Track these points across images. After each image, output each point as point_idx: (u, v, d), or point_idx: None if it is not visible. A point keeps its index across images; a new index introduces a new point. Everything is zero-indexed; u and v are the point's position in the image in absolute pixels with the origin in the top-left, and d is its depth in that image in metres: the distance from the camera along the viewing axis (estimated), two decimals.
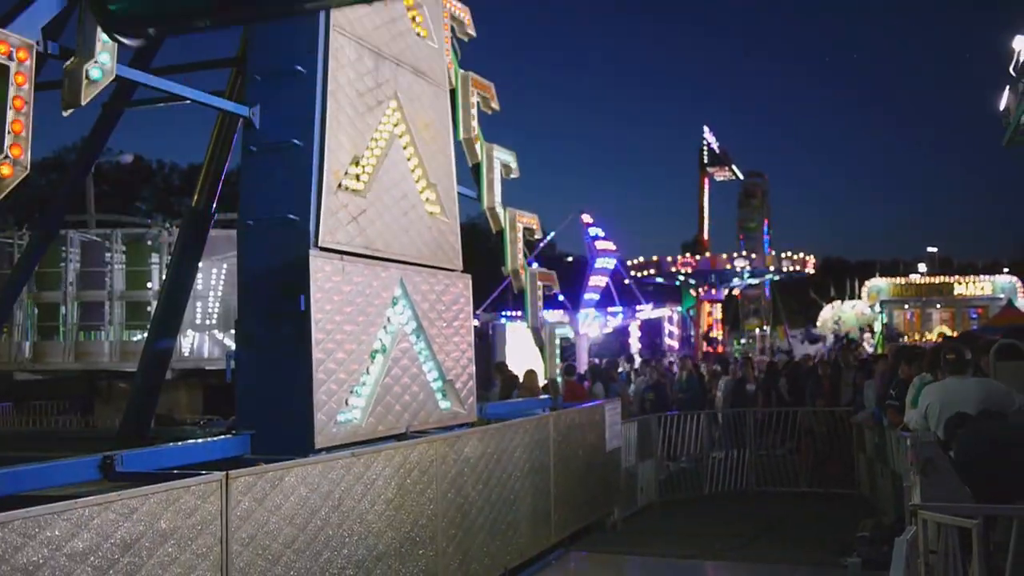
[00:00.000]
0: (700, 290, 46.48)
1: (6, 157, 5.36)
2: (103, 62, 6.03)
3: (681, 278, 46.27)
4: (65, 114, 5.94)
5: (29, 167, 5.51)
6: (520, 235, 12.09)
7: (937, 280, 50.23)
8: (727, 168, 52.35)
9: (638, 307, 43.11)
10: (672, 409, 16.18)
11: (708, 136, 51.80)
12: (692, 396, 18.10)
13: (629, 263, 45.70)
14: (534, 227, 12.41)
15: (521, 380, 14.18)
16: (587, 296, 41.47)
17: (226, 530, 5.62)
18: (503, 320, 27.68)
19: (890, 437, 11.50)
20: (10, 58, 5.45)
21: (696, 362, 23.33)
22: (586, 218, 43.08)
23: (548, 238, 42.11)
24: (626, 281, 45.31)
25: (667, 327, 40.15)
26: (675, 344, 39.38)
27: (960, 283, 48.75)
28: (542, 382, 13.58)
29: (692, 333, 44.84)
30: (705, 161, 51.71)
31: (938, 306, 47.29)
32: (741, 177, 54.07)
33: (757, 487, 15.26)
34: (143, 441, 8.16)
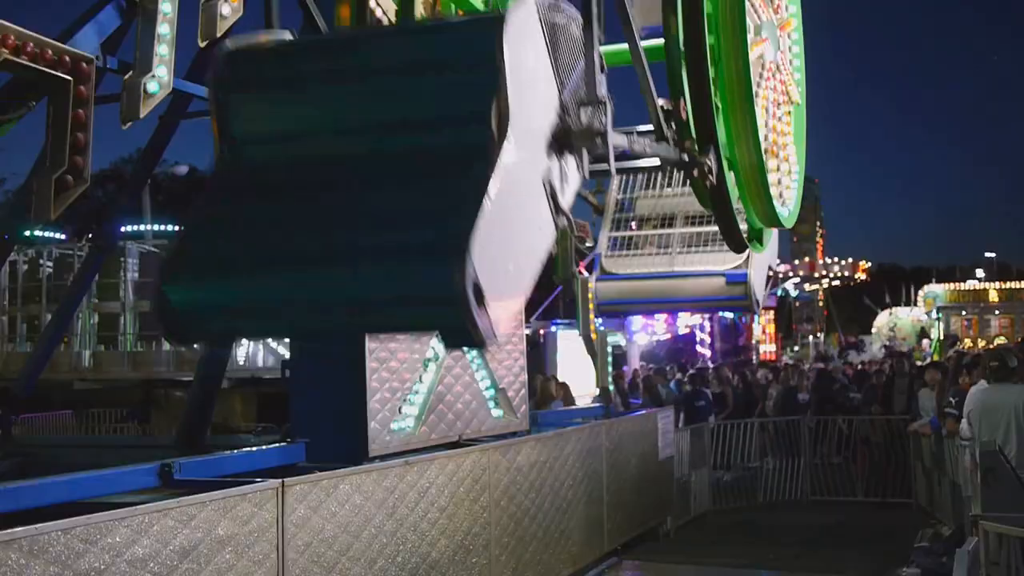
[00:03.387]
0: None
1: (68, 169, 5.46)
2: (160, 76, 6.13)
3: None
4: (124, 127, 6.05)
5: (89, 179, 5.62)
6: (571, 243, 12.07)
7: (996, 286, 49.34)
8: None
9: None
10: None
11: None
12: (742, 405, 17.95)
13: None
14: (585, 235, 12.39)
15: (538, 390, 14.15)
16: None
17: (282, 537, 5.67)
18: (554, 328, 27.51)
19: (948, 446, 11.32)
20: (71, 72, 5.56)
21: (745, 370, 23.09)
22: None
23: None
24: None
25: (698, 335, 39.31)
26: (707, 352, 38.44)
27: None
28: (592, 390, 13.52)
29: (742, 341, 44.35)
30: None
31: (997, 312, 46.43)
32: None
33: (812, 496, 15.07)
34: (200, 449, 8.25)
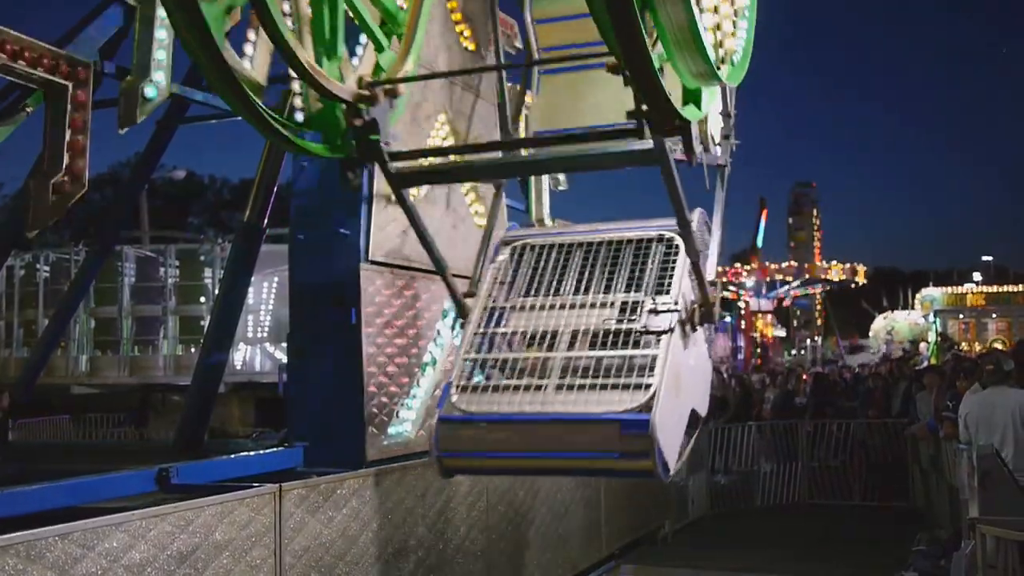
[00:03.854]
0: (748, 301, 45.91)
1: (65, 174, 5.47)
2: (158, 81, 6.14)
3: (732, 288, 45.69)
4: (121, 132, 6.05)
5: (87, 184, 5.62)
6: None
7: (993, 289, 49.42)
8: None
9: None
10: None
11: None
12: (739, 408, 17.98)
13: None
14: None
15: None
16: None
17: (279, 542, 5.67)
18: None
19: (945, 449, 11.33)
20: (69, 78, 5.57)
21: (743, 373, 23.14)
22: None
23: None
24: None
25: None
26: None
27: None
28: None
29: (741, 344, 44.43)
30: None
31: (994, 316, 46.47)
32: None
33: (809, 499, 15.08)
34: (197, 454, 8.26)
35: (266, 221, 9.14)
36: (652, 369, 5.80)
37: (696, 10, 4.86)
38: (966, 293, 48.94)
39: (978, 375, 9.77)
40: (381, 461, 7.33)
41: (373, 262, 7.58)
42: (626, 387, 5.80)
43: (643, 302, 6.17)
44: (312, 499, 6.00)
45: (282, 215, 11.16)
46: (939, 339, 40.24)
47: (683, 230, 6.18)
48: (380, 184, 7.76)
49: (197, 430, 8.86)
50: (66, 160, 5.48)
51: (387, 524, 6.68)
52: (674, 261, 6.41)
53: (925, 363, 27.57)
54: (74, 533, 4.49)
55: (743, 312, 46.55)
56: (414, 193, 8.21)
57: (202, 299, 22.15)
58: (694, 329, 6.53)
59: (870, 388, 17.53)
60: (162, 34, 6.16)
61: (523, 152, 7.06)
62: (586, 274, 6.63)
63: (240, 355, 21.25)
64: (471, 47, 9.51)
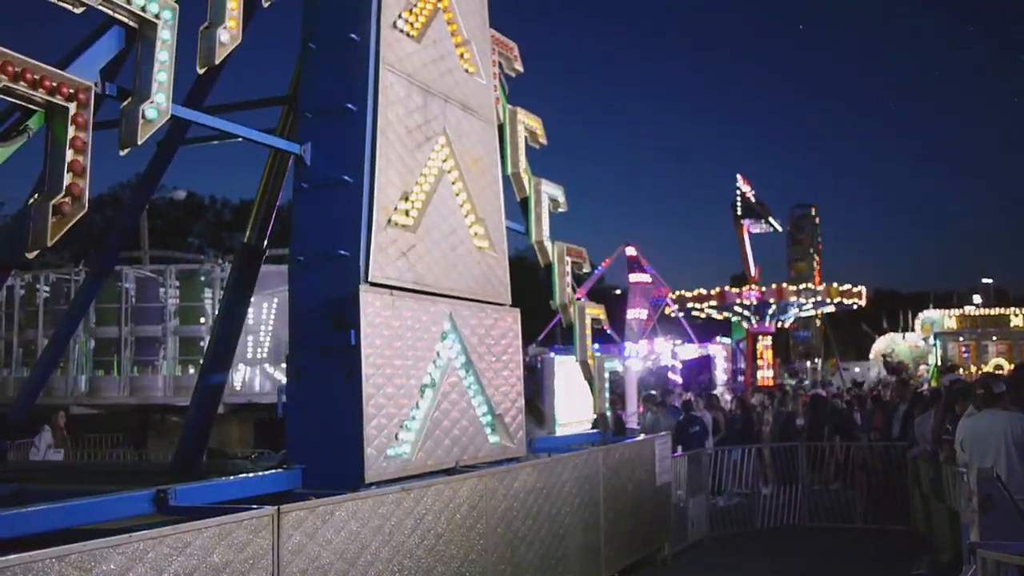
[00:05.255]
0: (754, 323, 45.70)
1: (66, 195, 5.47)
2: (159, 102, 6.14)
3: (738, 310, 45.45)
4: (122, 153, 6.06)
5: (87, 205, 5.63)
6: (568, 269, 12.08)
7: (993, 312, 49.39)
8: (764, 220, 46.40)
9: (678, 341, 42.40)
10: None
11: (742, 185, 45.59)
12: (740, 430, 17.96)
13: (688, 294, 44.80)
14: (582, 261, 12.39)
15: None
16: (628, 330, 41.10)
17: (277, 564, 5.64)
18: (552, 354, 27.47)
19: (946, 472, 11.30)
20: (70, 100, 5.58)
21: (744, 395, 23.12)
22: (630, 251, 42.68)
23: (597, 272, 41.92)
24: (670, 312, 44.43)
25: (669, 362, 39.28)
26: (678, 379, 38.31)
27: (1017, 315, 47.90)
28: (591, 416, 13.48)
29: (742, 367, 44.25)
30: (739, 212, 45.67)
31: (994, 338, 46.40)
32: (779, 229, 48.96)
33: (810, 523, 15.03)
34: (196, 475, 8.22)
35: (266, 242, 9.14)
36: None
37: None
38: (963, 315, 48.96)
39: (973, 398, 9.78)
40: (380, 483, 7.31)
41: (373, 283, 7.59)
42: None
43: None
44: (311, 521, 5.98)
45: (282, 236, 11.20)
46: (939, 362, 40.19)
47: None
48: (380, 206, 7.78)
49: (196, 451, 8.84)
50: (67, 181, 5.49)
51: (386, 546, 6.64)
52: None
53: (925, 386, 27.54)
54: (71, 555, 4.46)
55: (746, 334, 46.37)
56: (413, 215, 8.23)
57: (202, 320, 22.14)
58: None
59: (871, 411, 17.51)
60: (163, 55, 6.18)
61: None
62: None
63: (240, 376, 21.22)
64: (471, 70, 9.55)
